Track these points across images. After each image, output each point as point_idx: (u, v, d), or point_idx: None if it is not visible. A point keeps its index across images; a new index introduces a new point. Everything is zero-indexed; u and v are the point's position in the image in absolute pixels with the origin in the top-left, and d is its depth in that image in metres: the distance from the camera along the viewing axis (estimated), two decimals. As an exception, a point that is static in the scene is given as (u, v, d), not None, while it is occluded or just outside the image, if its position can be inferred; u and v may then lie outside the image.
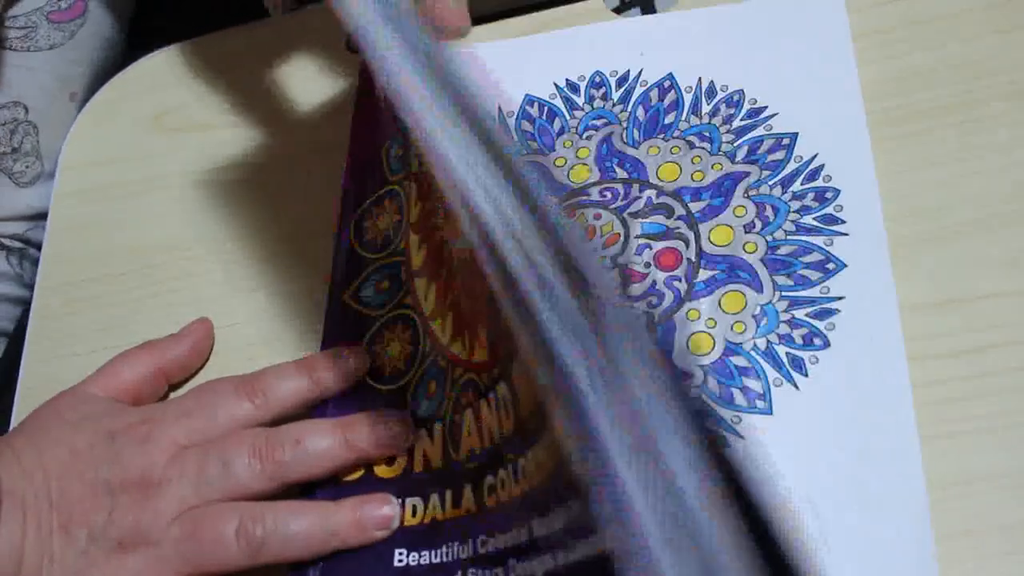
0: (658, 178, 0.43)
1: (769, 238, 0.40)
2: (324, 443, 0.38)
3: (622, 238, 0.42)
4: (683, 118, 0.44)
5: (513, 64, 0.48)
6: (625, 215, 0.43)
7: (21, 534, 0.36)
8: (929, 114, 0.41)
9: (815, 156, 0.42)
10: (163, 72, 0.53)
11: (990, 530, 0.34)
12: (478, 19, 0.49)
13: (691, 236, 0.41)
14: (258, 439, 0.38)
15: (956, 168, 0.40)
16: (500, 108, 0.47)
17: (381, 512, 0.37)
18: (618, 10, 0.47)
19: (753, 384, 0.38)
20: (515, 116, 0.47)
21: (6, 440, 0.39)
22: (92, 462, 0.37)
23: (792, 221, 0.41)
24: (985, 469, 0.34)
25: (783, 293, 0.39)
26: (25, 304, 0.52)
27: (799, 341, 0.38)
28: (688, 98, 0.45)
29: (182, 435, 0.38)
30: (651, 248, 0.42)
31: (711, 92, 0.44)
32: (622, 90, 0.46)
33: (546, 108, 0.46)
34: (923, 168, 0.40)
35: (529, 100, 0.47)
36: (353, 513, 0.37)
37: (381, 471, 0.39)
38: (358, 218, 0.45)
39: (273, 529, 0.36)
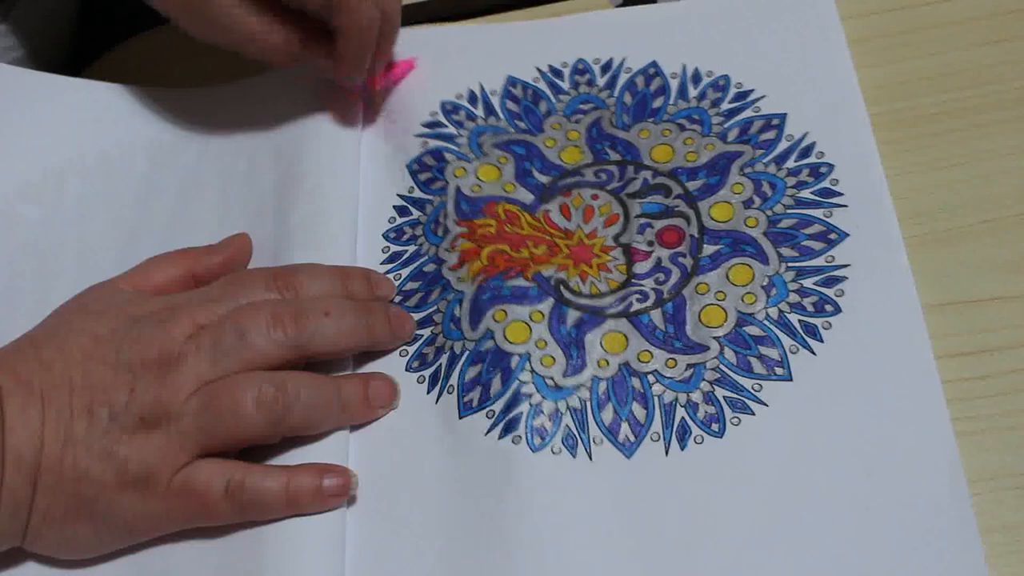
0: (652, 159, 0.43)
1: (769, 212, 0.41)
2: (350, 320, 0.38)
3: (622, 218, 0.42)
4: (671, 102, 0.45)
5: (493, 47, 0.47)
6: (623, 195, 0.42)
7: (40, 421, 0.35)
8: (933, 118, 0.42)
9: (806, 134, 0.43)
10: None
11: (993, 529, 0.34)
12: (486, 9, 0.49)
13: (691, 213, 0.42)
14: (278, 307, 0.37)
15: (959, 172, 0.41)
16: (482, 86, 0.46)
17: (387, 387, 0.38)
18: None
19: (770, 352, 0.38)
20: (499, 96, 0.46)
21: (29, 334, 0.38)
22: (114, 346, 0.36)
23: (790, 196, 0.41)
24: (989, 470, 0.35)
25: (789, 264, 0.40)
26: None
27: (810, 309, 0.38)
28: (674, 84, 0.45)
29: (203, 317, 0.37)
30: (652, 227, 0.41)
31: (696, 78, 0.45)
32: (607, 76, 0.46)
33: (530, 90, 0.46)
34: (926, 171, 0.41)
35: (512, 81, 0.46)
36: (363, 388, 0.38)
37: None
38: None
39: (295, 397, 0.36)
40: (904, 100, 0.43)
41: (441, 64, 0.47)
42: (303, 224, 0.42)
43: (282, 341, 0.36)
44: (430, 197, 0.43)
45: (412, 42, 0.47)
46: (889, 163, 0.41)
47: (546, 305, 0.40)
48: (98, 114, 0.47)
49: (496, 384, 0.38)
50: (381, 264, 0.42)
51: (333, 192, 0.43)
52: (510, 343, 0.39)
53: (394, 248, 0.43)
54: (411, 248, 0.42)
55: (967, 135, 0.42)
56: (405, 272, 0.42)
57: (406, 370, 0.39)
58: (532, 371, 0.38)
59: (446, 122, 0.45)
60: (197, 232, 0.43)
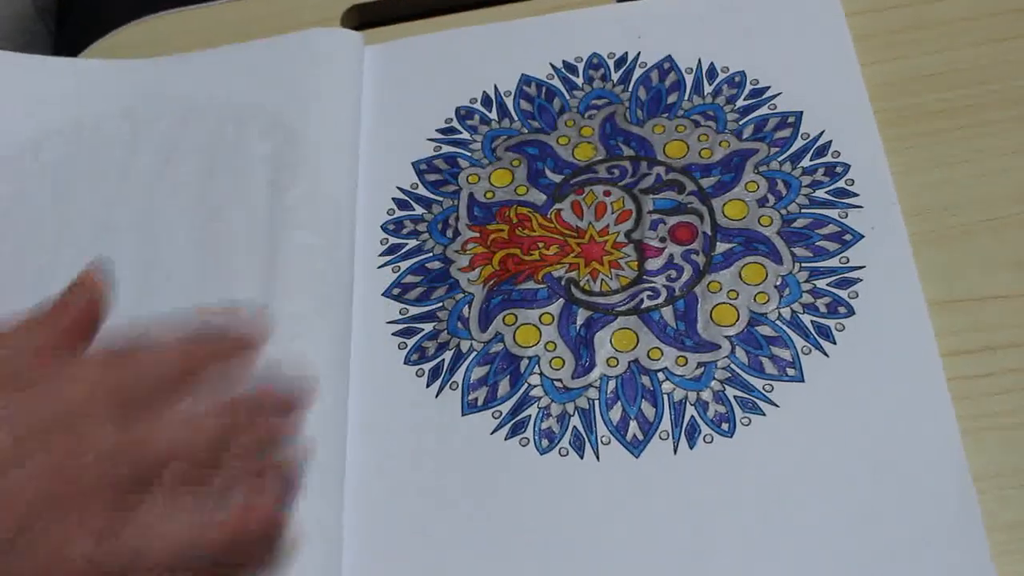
0: (665, 155, 0.43)
1: (784, 212, 0.41)
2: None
3: (634, 214, 0.42)
4: (686, 98, 0.44)
5: (508, 46, 0.47)
6: (636, 191, 0.42)
7: None
8: (936, 116, 0.42)
9: (822, 133, 0.42)
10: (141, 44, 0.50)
11: (996, 528, 0.34)
12: (485, 1, 0.48)
13: (705, 210, 0.41)
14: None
15: (963, 170, 0.40)
16: (497, 88, 0.46)
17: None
18: (621, -1, 0.48)
19: (781, 352, 0.38)
20: (512, 96, 0.46)
21: None
22: None
23: (805, 195, 0.41)
24: (992, 468, 0.35)
25: (803, 264, 0.39)
26: None
27: (823, 310, 0.38)
28: (689, 79, 0.45)
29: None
30: (665, 223, 0.41)
31: (712, 73, 0.45)
32: (621, 71, 0.46)
33: (544, 88, 0.46)
34: (930, 169, 0.41)
35: (526, 80, 0.46)
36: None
37: None
38: None
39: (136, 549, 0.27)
40: (907, 98, 0.42)
41: (456, 68, 0.47)
42: (302, 203, 0.41)
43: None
44: (439, 198, 0.43)
45: (428, 46, 0.47)
46: (892, 161, 0.41)
47: (556, 306, 0.40)
48: (76, 86, 0.46)
49: (504, 386, 0.38)
50: (379, 256, 0.42)
51: (333, 174, 0.42)
52: (520, 346, 0.39)
53: (393, 240, 0.43)
54: (412, 242, 0.42)
55: (970, 133, 0.41)
56: (405, 265, 0.42)
57: (405, 363, 0.39)
58: (541, 374, 0.38)
59: (460, 128, 0.45)
60: (177, 200, 0.42)
